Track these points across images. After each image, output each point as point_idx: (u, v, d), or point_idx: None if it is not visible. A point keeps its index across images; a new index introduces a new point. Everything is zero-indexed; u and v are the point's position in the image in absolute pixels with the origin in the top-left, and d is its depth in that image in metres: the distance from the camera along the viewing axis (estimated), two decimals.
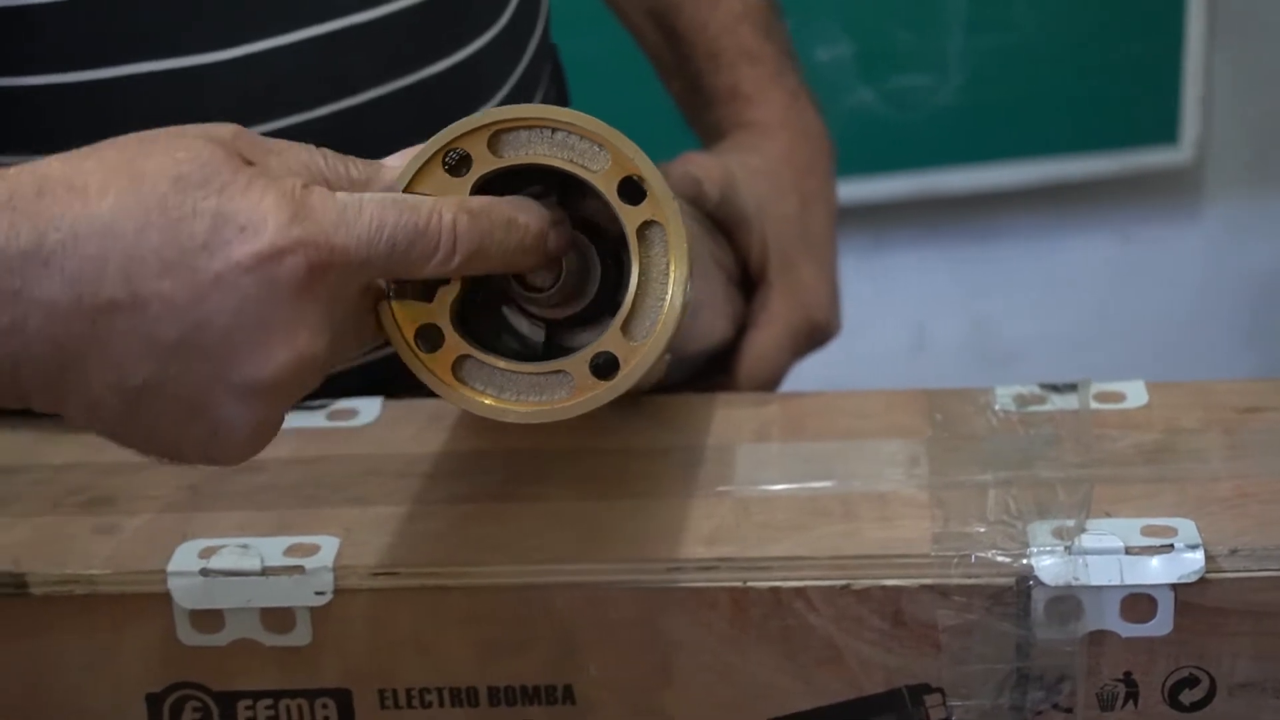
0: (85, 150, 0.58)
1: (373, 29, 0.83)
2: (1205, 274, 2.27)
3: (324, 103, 0.82)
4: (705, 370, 0.92)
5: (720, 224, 0.92)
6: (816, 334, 0.96)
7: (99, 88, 0.78)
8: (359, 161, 0.63)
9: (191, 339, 0.57)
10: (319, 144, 0.80)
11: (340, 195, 0.59)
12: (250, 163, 0.59)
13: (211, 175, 0.57)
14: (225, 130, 0.61)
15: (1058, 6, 2.07)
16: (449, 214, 0.61)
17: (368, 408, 0.86)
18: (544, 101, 0.98)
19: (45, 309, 0.56)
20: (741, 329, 0.93)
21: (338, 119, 0.82)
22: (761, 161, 0.96)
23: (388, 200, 0.60)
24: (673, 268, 0.64)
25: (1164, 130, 2.14)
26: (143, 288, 0.56)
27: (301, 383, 0.60)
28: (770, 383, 0.93)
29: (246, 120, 0.79)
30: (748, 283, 0.95)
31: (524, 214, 0.63)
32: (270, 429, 0.62)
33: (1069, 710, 0.72)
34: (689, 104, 1.04)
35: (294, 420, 0.86)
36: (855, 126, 1.89)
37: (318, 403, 0.87)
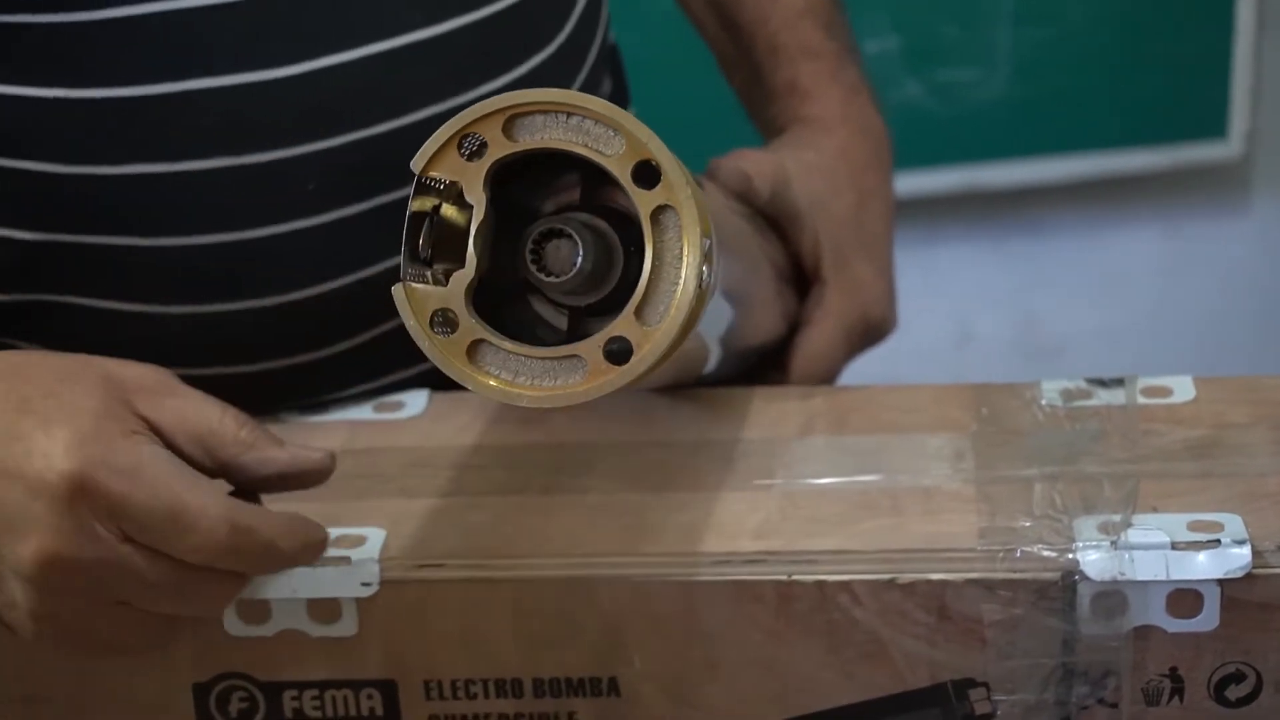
0: (12, 352, 0.72)
1: (434, 46, 0.83)
2: (1254, 269, 2.25)
3: (383, 119, 0.82)
4: (758, 367, 0.91)
5: (772, 220, 0.92)
6: (872, 331, 0.95)
7: (160, 103, 0.78)
8: (254, 426, 0.71)
9: None
10: (381, 159, 0.80)
11: (148, 451, 0.67)
12: (135, 408, 0.69)
13: (61, 394, 0.68)
14: (132, 373, 0.70)
15: None
16: (209, 519, 0.67)
17: (414, 400, 0.87)
18: None
19: None
20: (795, 326, 0.93)
21: (396, 136, 0.82)
22: (817, 157, 0.95)
23: (176, 476, 0.67)
24: (686, 252, 0.63)
25: (1213, 124, 2.13)
26: None
27: (52, 581, 0.67)
28: (824, 380, 0.92)
29: (306, 137, 0.80)
30: (802, 280, 0.94)
31: (289, 540, 0.70)
32: (50, 625, 0.69)
33: (1114, 705, 0.72)
34: (750, 99, 1.03)
35: (341, 412, 0.87)
36: (902, 120, 1.88)
37: (362, 391, 0.87)
